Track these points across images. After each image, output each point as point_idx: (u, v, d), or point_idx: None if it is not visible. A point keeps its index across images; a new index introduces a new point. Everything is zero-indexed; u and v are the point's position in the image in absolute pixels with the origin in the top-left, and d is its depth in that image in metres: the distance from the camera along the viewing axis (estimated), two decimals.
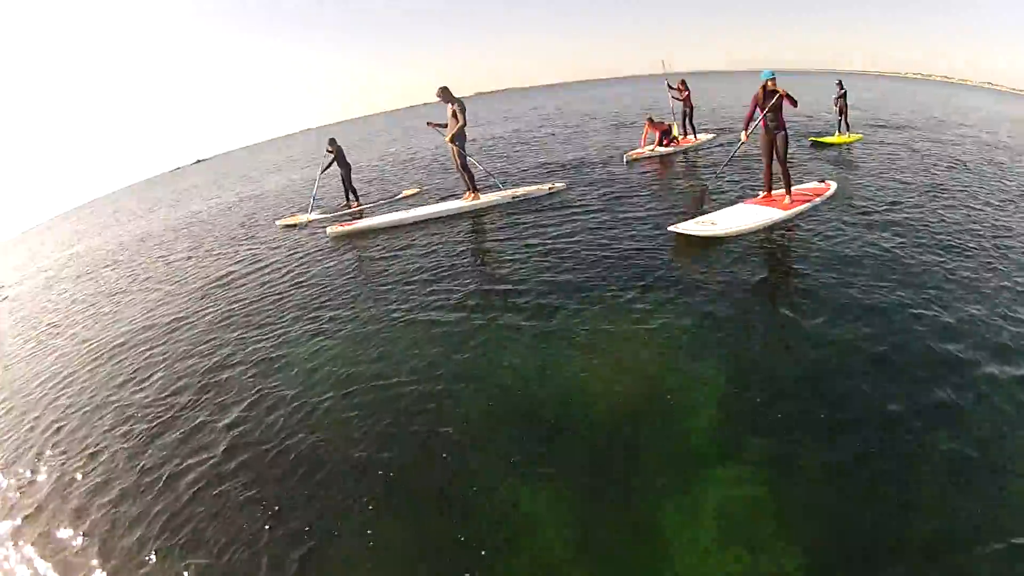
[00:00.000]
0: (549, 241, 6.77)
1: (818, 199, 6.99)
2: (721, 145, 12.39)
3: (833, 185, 7.50)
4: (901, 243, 5.68)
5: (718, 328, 4.23)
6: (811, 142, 12.30)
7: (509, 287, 5.50)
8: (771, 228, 6.30)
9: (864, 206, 6.98)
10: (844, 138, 12.55)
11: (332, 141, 11.42)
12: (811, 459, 2.85)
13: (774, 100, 6.55)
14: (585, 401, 3.53)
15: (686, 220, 6.52)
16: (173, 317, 6.63)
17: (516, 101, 59.86)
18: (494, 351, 4.30)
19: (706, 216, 6.61)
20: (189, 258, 10.14)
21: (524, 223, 7.76)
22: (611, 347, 4.11)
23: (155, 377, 5.06)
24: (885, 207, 6.93)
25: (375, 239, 8.40)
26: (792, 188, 7.11)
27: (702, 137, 13.15)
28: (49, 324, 8.01)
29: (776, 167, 6.87)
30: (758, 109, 6.65)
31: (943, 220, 6.41)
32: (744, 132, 6.91)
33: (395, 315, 5.29)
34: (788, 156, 7.00)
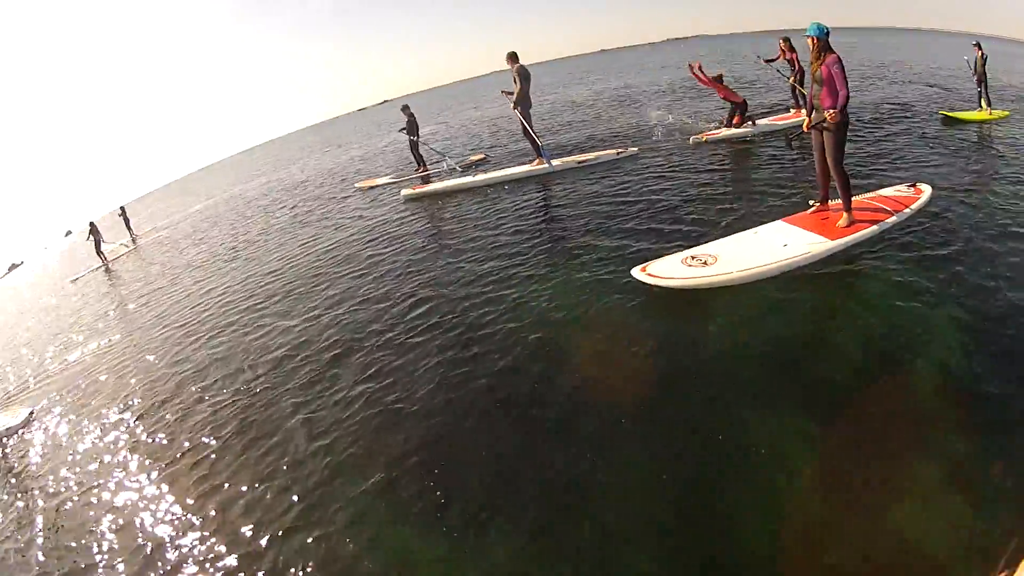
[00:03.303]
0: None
1: (895, 217, 4.62)
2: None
3: (927, 191, 5.01)
4: None
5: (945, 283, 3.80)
6: (942, 118, 9.22)
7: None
8: (807, 268, 4.19)
9: (971, 234, 4.49)
10: (985, 114, 9.29)
11: (405, 107, 11.73)
12: None
13: (817, 73, 4.37)
14: (825, 346, 3.41)
15: (672, 253, 4.62)
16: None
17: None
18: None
19: (703, 249, 4.61)
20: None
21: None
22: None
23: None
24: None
25: (449, 201, 8.73)
26: (861, 198, 4.92)
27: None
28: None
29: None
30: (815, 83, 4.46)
31: None
32: (807, 119, 4.65)
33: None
34: (856, 156, 4.78)
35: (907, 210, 4.73)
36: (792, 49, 9.59)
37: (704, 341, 3.66)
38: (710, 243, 4.72)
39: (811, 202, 5.09)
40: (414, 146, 11.89)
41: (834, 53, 4.27)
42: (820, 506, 2.38)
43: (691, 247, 4.73)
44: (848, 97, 4.22)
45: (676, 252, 4.64)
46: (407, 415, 3.53)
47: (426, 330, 4.54)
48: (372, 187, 12.05)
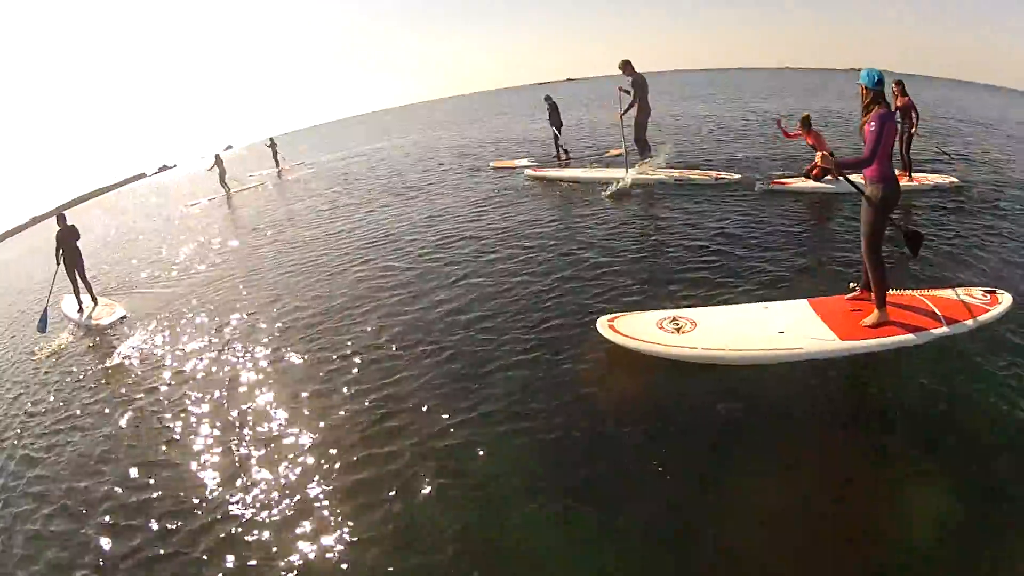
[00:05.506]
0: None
1: (946, 328, 3.72)
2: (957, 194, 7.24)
3: (1005, 301, 3.97)
4: None
5: None
6: None
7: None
8: (798, 365, 3.52)
9: None
10: None
11: (547, 98, 12.17)
12: None
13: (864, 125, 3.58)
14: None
15: (660, 309, 4.09)
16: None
17: None
18: None
19: (688, 312, 4.03)
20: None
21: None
22: None
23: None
24: None
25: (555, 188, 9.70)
26: (916, 292, 4.12)
27: (932, 177, 8.14)
28: None
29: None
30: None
31: None
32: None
33: None
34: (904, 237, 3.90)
35: (968, 321, 3.79)
36: (904, 93, 7.92)
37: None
38: (705, 308, 4.14)
39: (851, 284, 4.28)
40: (555, 137, 12.05)
41: (883, 107, 3.47)
42: None
43: (686, 307, 4.19)
44: (865, 162, 3.44)
45: (663, 309, 4.12)
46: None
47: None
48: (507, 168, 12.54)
